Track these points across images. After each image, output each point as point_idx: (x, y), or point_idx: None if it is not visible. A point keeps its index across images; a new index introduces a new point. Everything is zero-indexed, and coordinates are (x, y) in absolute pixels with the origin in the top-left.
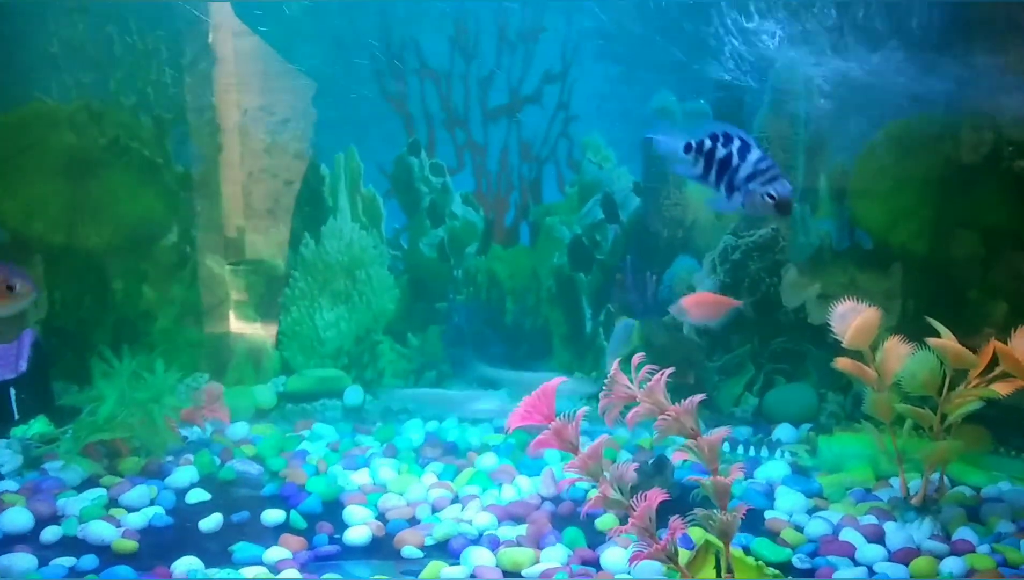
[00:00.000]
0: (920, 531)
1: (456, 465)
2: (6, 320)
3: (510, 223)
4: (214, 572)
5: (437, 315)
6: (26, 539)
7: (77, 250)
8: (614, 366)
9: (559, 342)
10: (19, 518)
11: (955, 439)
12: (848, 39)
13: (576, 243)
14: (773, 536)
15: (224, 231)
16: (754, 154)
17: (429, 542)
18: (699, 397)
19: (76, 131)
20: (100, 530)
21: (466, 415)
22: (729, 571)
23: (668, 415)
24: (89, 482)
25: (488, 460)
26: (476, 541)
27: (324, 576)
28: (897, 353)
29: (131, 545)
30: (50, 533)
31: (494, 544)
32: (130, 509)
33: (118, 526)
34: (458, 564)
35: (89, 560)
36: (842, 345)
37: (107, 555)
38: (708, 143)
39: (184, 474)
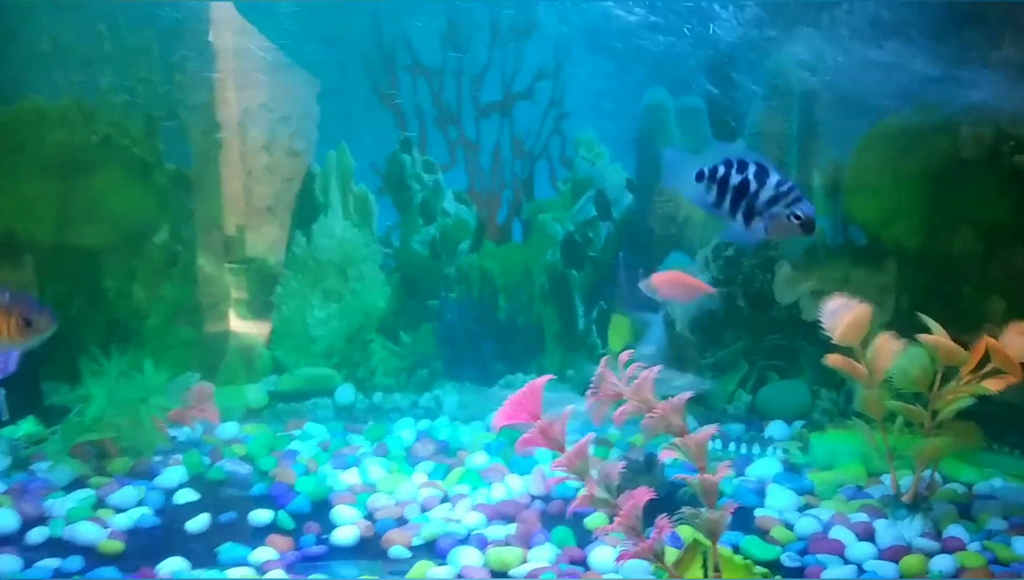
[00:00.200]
0: (911, 529)
1: (447, 464)
2: None
3: (503, 220)
4: (199, 573)
5: (429, 313)
6: (12, 541)
7: (68, 248)
8: (602, 363)
9: (552, 339)
10: (5, 520)
11: (946, 436)
12: (841, 33)
13: (569, 240)
14: (763, 534)
15: (219, 229)
16: (773, 177)
17: (417, 542)
18: (686, 395)
19: (67, 129)
20: (87, 531)
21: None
22: (717, 570)
23: (655, 413)
24: (77, 482)
25: (479, 459)
26: (464, 541)
27: (311, 577)
28: (888, 349)
29: (117, 546)
30: (36, 534)
31: (482, 544)
32: (117, 510)
33: (105, 527)
34: (445, 564)
35: (75, 561)
36: (832, 341)
37: (93, 556)
38: (722, 169)
39: (173, 474)
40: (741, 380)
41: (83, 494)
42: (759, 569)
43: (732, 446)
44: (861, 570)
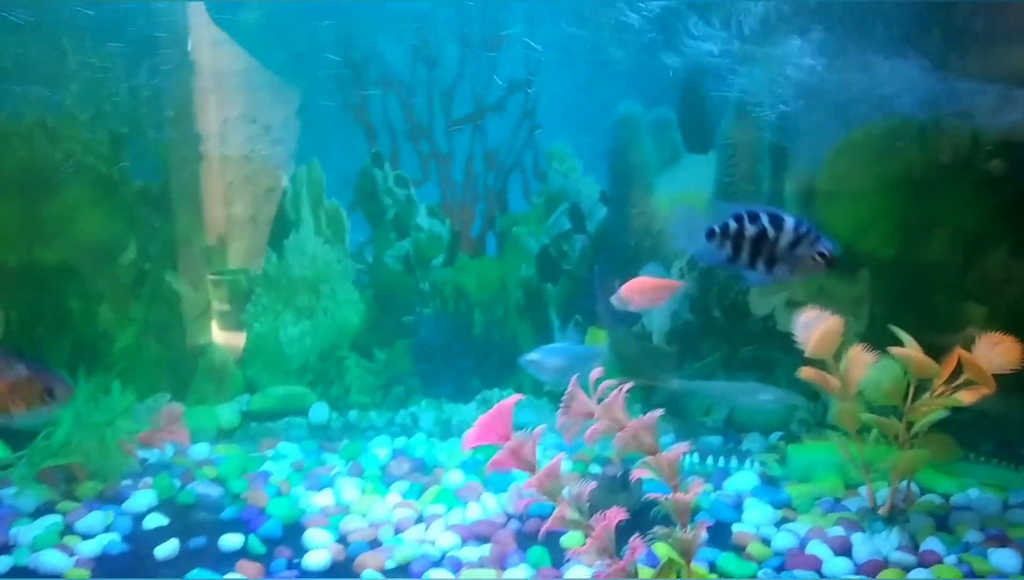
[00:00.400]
0: (887, 542)
1: (423, 483)
2: None
3: (476, 234)
4: None
5: (404, 329)
6: None
7: (34, 268)
8: (572, 382)
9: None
10: None
11: (921, 448)
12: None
13: (544, 253)
14: (739, 550)
15: (193, 246)
16: (790, 221)
17: (390, 565)
18: (657, 412)
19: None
20: (52, 559)
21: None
22: None
23: (626, 432)
24: (45, 508)
25: (455, 477)
26: (438, 563)
27: None
28: (861, 361)
29: (83, 574)
30: (0, 564)
31: (456, 566)
32: (84, 536)
33: (71, 554)
34: None
35: None
36: (805, 354)
37: None
38: (733, 224)
39: (142, 498)
40: None
41: (49, 520)
42: None
43: (710, 460)
44: None
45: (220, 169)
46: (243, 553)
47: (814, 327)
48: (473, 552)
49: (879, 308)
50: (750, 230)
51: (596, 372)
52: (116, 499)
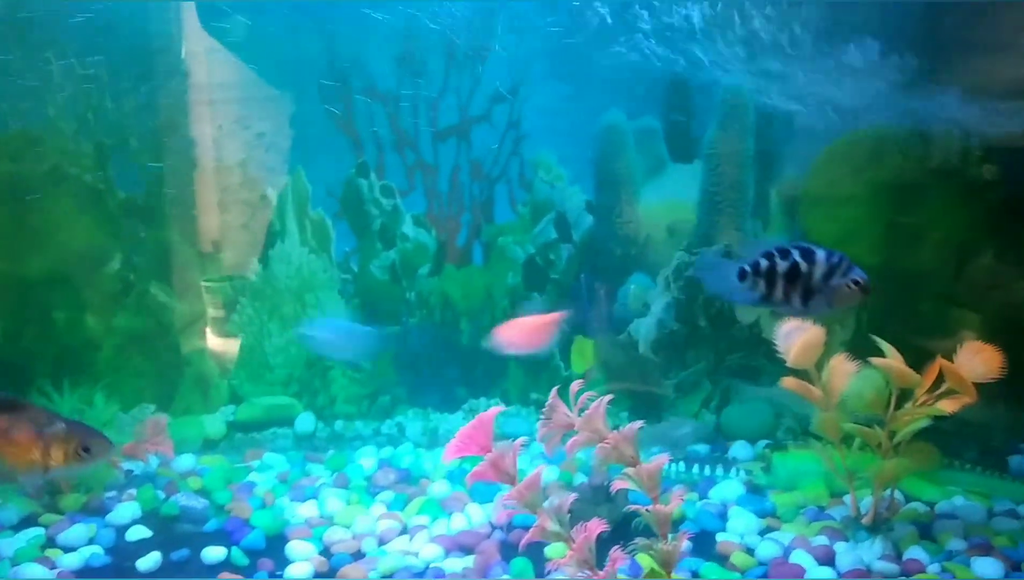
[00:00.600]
0: (871, 551)
1: (408, 494)
2: None
3: (462, 243)
4: None
5: (390, 339)
6: None
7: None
8: (552, 394)
9: (514, 363)
10: None
11: (904, 457)
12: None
13: (530, 263)
14: (723, 560)
15: (178, 256)
16: (820, 253)
17: (373, 576)
18: (637, 424)
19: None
20: (33, 573)
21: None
22: None
23: (607, 443)
24: (29, 520)
25: (441, 487)
26: (422, 574)
27: None
28: (842, 371)
29: None
30: None
31: (439, 577)
32: (67, 549)
33: (52, 568)
34: None
35: None
36: (786, 364)
37: None
38: (764, 262)
39: (126, 510)
40: (704, 400)
41: (32, 533)
42: None
43: (696, 468)
44: None
45: (208, 179)
46: (226, 565)
47: (795, 337)
48: (457, 563)
49: (865, 315)
50: (782, 266)
51: (576, 384)
52: (100, 511)
